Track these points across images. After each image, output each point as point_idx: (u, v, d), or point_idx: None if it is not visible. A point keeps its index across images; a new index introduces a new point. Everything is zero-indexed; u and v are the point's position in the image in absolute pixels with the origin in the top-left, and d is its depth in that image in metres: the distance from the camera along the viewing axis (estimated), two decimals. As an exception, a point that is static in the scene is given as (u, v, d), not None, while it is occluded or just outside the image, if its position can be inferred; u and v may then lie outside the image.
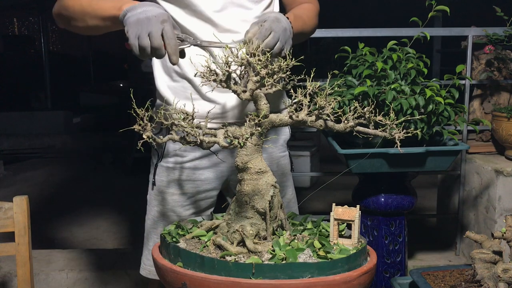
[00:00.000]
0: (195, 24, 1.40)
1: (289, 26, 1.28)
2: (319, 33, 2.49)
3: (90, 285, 2.55)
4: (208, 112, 1.18)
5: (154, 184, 1.56)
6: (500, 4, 2.41)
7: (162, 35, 1.12)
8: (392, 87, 1.77)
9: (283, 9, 1.56)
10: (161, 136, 1.47)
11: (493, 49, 2.50)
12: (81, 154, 5.99)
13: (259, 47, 1.13)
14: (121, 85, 8.42)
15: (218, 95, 1.42)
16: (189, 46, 1.21)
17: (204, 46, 1.27)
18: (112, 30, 1.28)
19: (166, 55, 1.15)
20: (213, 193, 1.57)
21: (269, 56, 1.08)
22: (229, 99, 1.44)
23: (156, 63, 1.51)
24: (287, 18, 1.30)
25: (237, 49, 1.09)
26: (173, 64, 1.15)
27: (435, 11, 1.94)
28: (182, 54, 1.21)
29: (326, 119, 1.08)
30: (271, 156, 1.57)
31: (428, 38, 2.05)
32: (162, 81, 1.51)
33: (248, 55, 1.08)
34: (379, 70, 1.80)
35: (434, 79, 1.95)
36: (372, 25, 2.67)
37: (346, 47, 1.97)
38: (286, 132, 1.64)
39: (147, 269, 1.63)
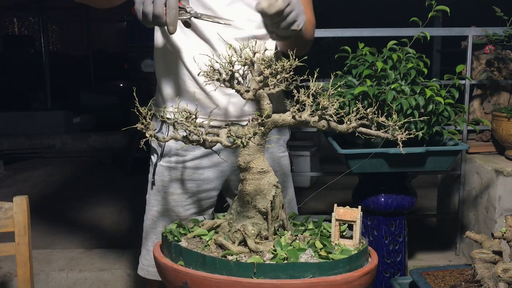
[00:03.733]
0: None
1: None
2: (319, 33, 2.49)
3: (90, 285, 2.55)
4: (210, 112, 1.18)
5: (153, 183, 1.56)
6: (500, 4, 2.41)
7: (165, 4, 1.15)
8: (392, 87, 1.77)
9: None
10: (163, 135, 1.48)
11: (493, 49, 2.50)
12: (81, 154, 5.99)
13: (281, 13, 1.14)
14: (121, 85, 8.43)
15: (219, 93, 1.43)
16: (189, 18, 1.22)
17: (204, 19, 1.26)
18: (123, 1, 1.32)
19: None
20: (213, 193, 1.57)
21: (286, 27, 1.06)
22: (231, 97, 1.45)
23: (157, 53, 1.52)
24: None
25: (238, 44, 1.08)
26: (170, 33, 1.18)
27: (435, 11, 1.94)
28: (186, 24, 1.23)
29: (329, 120, 1.08)
30: (272, 156, 1.57)
31: (428, 38, 2.05)
32: (162, 71, 1.52)
33: (252, 54, 1.08)
34: (379, 70, 1.80)
35: (434, 79, 1.95)
36: (372, 25, 2.67)
37: (346, 47, 1.97)
38: (286, 133, 1.64)
39: (145, 269, 1.62)
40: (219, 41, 1.38)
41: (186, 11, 1.21)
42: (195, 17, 1.22)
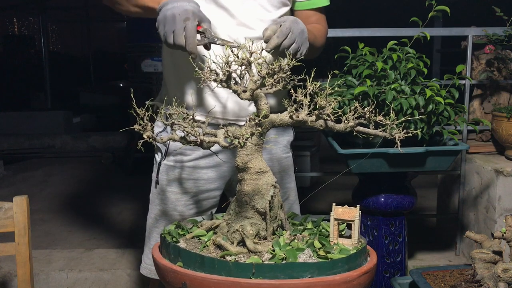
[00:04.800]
0: (213, 12, 1.41)
1: (306, 29, 1.31)
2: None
3: (90, 285, 2.55)
4: (208, 112, 1.18)
5: (157, 182, 1.56)
6: (500, 4, 2.41)
7: (185, 33, 1.21)
8: (392, 87, 1.77)
9: None
10: (166, 134, 1.48)
11: (493, 49, 2.50)
12: (81, 154, 5.99)
13: (279, 46, 1.19)
14: (121, 85, 8.43)
15: (221, 90, 1.43)
16: (208, 43, 1.26)
17: (219, 44, 1.29)
18: (150, 17, 1.37)
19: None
20: (215, 193, 1.57)
21: (288, 57, 1.10)
22: (231, 95, 1.45)
23: (165, 48, 1.54)
24: None
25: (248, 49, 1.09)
26: (193, 58, 1.23)
27: (435, 11, 1.94)
28: (206, 47, 1.28)
29: (327, 119, 1.08)
30: (272, 156, 1.57)
31: (428, 38, 2.05)
32: (169, 66, 1.53)
33: (249, 54, 1.08)
34: (379, 70, 1.80)
35: (434, 79, 1.95)
36: (372, 25, 2.67)
37: (346, 47, 1.97)
38: (290, 133, 1.64)
39: (148, 268, 1.62)
40: (228, 38, 1.38)
41: (205, 36, 1.25)
42: (212, 43, 1.26)
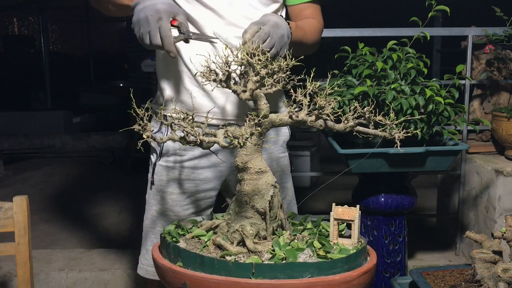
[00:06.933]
0: (201, 13, 1.41)
1: (287, 32, 1.29)
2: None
3: (90, 285, 2.55)
4: (207, 112, 1.18)
5: (152, 183, 1.56)
6: (500, 4, 2.41)
7: (160, 33, 1.22)
8: (392, 87, 1.77)
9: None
10: (161, 135, 1.47)
11: (493, 49, 2.50)
12: (81, 154, 5.99)
13: (258, 47, 1.15)
14: (121, 85, 8.44)
15: (217, 91, 1.43)
16: (183, 39, 1.27)
17: (193, 39, 1.29)
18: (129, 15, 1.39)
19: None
20: (212, 193, 1.57)
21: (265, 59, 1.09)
22: (230, 95, 1.45)
23: (158, 52, 1.54)
24: (288, 23, 1.31)
25: (230, 49, 1.09)
26: (172, 57, 1.25)
27: (435, 11, 1.94)
28: (185, 41, 1.28)
29: (326, 119, 1.08)
30: (270, 156, 1.57)
31: (428, 38, 2.05)
32: (162, 69, 1.53)
33: (248, 54, 1.08)
34: (379, 70, 1.80)
35: (434, 79, 1.95)
36: (372, 25, 2.67)
37: (346, 47, 1.97)
38: (285, 133, 1.64)
39: (144, 268, 1.62)
40: (218, 41, 1.38)
41: (180, 31, 1.26)
42: (188, 38, 1.27)
